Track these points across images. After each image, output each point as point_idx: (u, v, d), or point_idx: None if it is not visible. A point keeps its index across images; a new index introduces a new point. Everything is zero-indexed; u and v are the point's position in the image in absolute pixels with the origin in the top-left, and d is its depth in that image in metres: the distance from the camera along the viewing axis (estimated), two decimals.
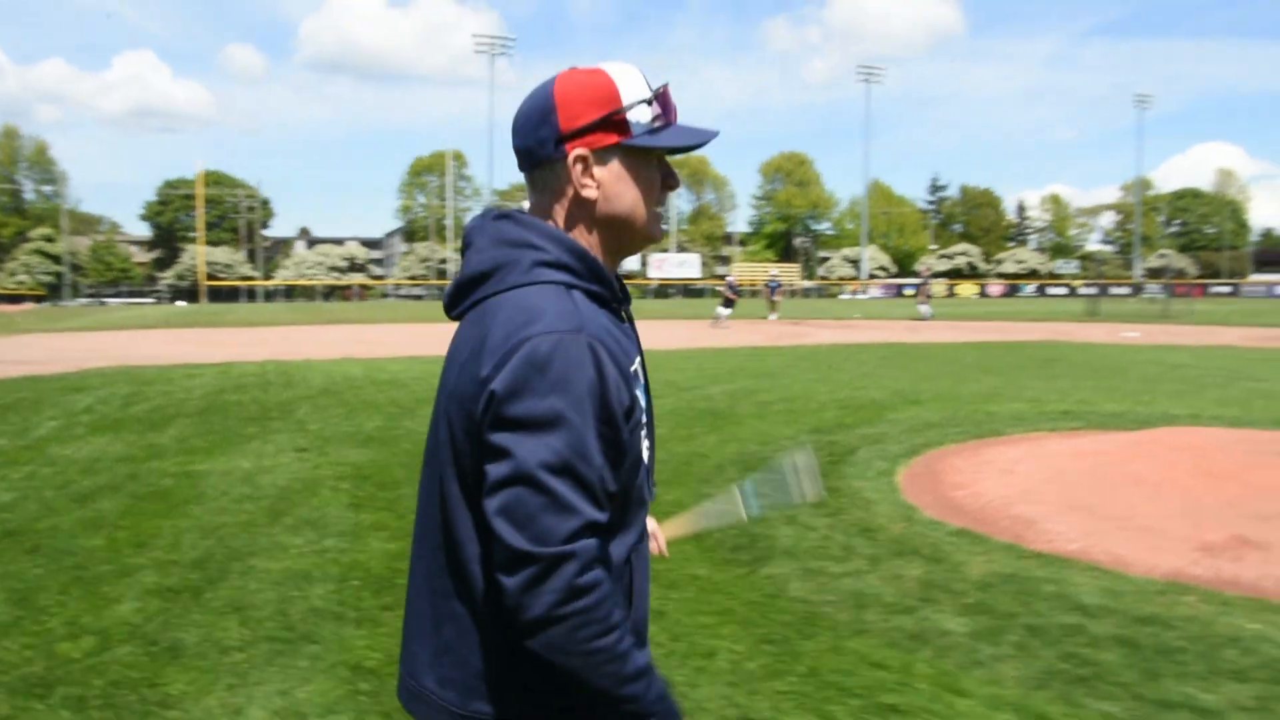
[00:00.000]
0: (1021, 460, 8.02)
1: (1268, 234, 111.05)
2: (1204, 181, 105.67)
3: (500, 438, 1.34)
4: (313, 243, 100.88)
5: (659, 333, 28.08)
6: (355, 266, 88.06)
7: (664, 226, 1.57)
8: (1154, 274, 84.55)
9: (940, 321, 35.42)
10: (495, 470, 1.34)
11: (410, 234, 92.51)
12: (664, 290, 77.61)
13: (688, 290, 78.46)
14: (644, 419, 1.51)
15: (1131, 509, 6.34)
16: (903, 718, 3.55)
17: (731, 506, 2.18)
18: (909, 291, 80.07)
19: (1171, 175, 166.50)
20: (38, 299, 74.54)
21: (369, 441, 9.25)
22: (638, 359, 1.53)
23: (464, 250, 1.54)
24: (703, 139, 1.51)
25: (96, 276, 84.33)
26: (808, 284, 79.43)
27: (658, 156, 1.52)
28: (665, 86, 1.50)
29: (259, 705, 3.64)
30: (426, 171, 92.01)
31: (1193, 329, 31.11)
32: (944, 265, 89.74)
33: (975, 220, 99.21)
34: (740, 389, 13.18)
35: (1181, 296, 66.99)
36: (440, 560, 1.50)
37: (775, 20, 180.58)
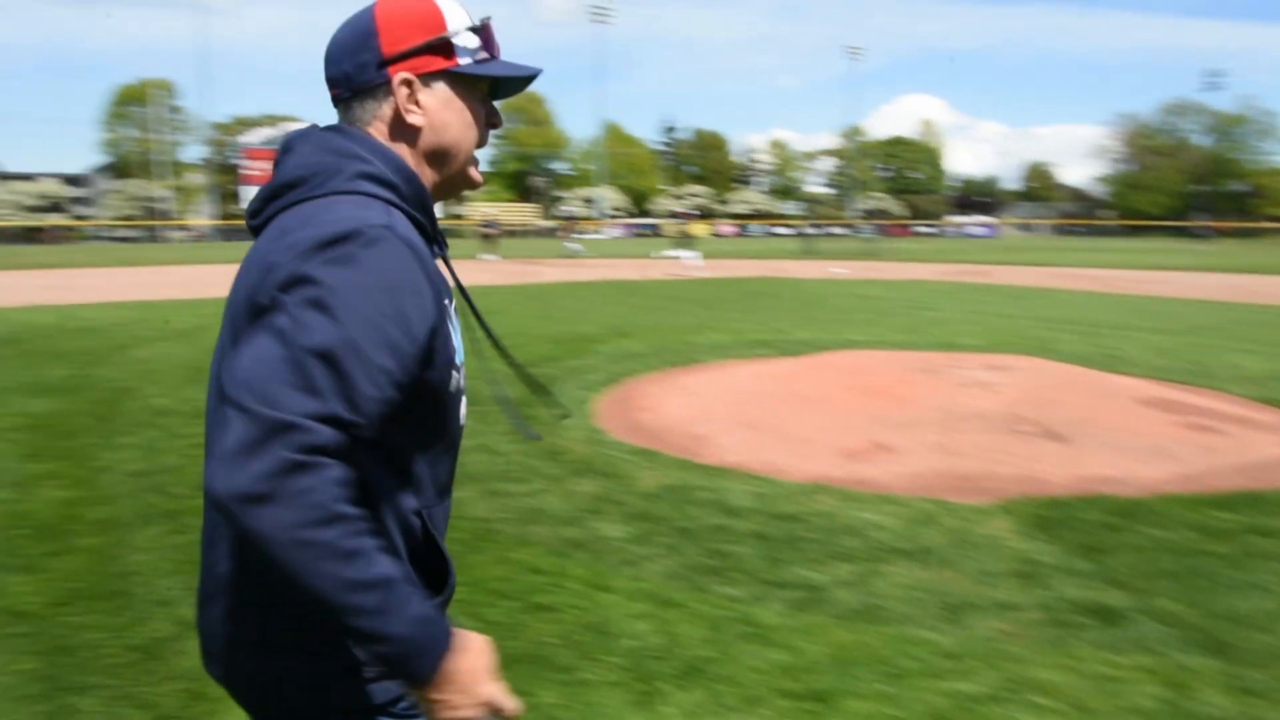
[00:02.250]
0: (708, 384, 8.63)
1: (965, 180, 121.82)
2: (911, 130, 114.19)
3: (273, 317, 1.18)
4: (1, 178, 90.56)
5: None
6: (54, 206, 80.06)
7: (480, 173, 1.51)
8: (868, 215, 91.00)
9: (652, 260, 36.73)
10: (246, 346, 1.19)
11: (120, 170, 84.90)
12: None
13: None
14: (457, 361, 1.39)
15: (790, 422, 7.01)
16: (551, 613, 3.86)
17: None
18: (645, 232, 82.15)
19: (884, 123, 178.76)
20: None
21: (50, 391, 8.68)
22: (451, 302, 1.40)
23: (279, 158, 1.40)
24: (529, 73, 1.45)
25: None
26: (544, 224, 79.70)
27: (482, 90, 1.45)
28: (488, 20, 1.43)
29: None
30: (133, 102, 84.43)
31: (895, 265, 33.93)
32: (678, 206, 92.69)
33: (706, 162, 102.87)
34: None
35: (891, 236, 72.78)
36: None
37: None
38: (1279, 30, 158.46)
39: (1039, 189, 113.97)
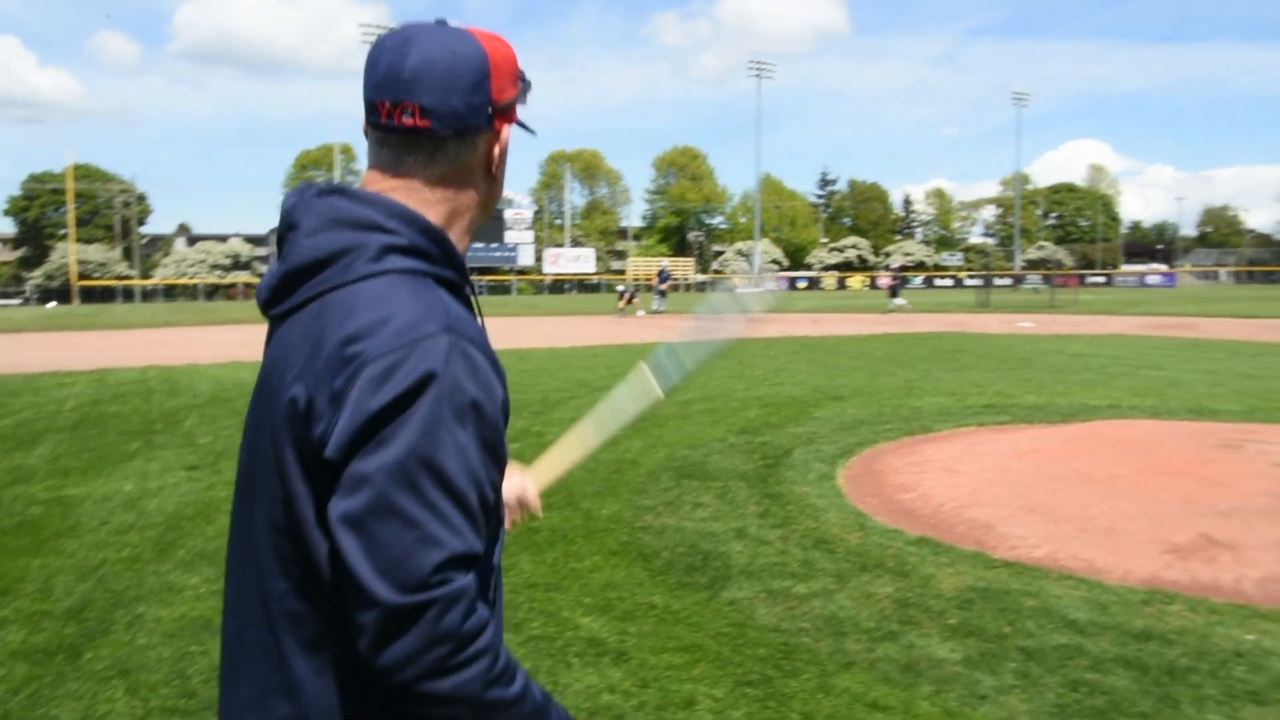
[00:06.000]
0: (961, 458, 7.76)
1: (1135, 226, 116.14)
2: (1077, 176, 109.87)
3: (360, 463, 1.09)
4: (193, 240, 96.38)
5: (560, 329, 27.48)
6: (240, 264, 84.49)
7: None
8: (1033, 265, 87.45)
9: (839, 315, 35.69)
10: (350, 501, 1.09)
11: None
12: (559, 285, 76.88)
13: (583, 285, 77.88)
14: None
15: (1087, 509, 6.09)
16: None
17: (641, 388, 1.76)
18: (801, 284, 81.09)
19: (1047, 170, 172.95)
20: None
21: None
22: None
23: (285, 233, 1.25)
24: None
25: None
26: (702, 277, 79.66)
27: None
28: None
29: None
30: (313, 165, 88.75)
31: (1080, 318, 32.02)
32: (835, 258, 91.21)
33: (864, 214, 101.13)
34: None
35: (1061, 287, 69.45)
36: (278, 604, 1.20)
37: (665, 15, 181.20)
38: None
39: (1218, 234, 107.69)
